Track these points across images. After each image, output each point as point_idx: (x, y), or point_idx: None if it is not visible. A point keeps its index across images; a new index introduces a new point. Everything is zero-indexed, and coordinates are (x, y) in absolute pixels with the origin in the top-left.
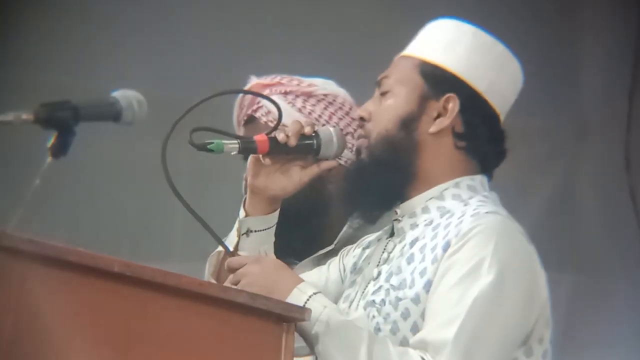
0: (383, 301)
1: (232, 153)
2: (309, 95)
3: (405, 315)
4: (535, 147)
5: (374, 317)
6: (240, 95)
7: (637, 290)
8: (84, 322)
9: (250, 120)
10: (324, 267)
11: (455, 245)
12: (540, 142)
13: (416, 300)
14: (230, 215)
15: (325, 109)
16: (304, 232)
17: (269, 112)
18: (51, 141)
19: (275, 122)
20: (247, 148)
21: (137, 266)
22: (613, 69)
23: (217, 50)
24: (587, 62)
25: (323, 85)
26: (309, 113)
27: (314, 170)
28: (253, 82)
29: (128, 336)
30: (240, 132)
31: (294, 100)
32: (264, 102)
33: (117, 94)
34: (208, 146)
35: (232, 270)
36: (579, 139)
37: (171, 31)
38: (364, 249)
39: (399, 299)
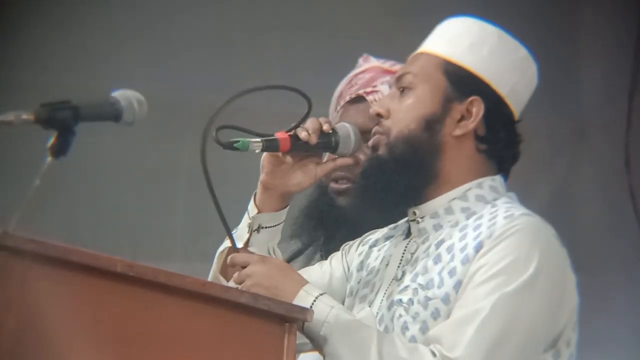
0: (411, 300)
1: (256, 151)
2: None
3: (435, 315)
4: (536, 147)
5: (400, 316)
6: (355, 71)
7: (637, 289)
8: (86, 322)
9: (358, 100)
10: (325, 263)
11: (488, 246)
12: (541, 141)
13: (446, 300)
14: (230, 213)
15: None
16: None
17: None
18: (51, 141)
19: None
20: (270, 146)
21: (140, 266)
22: (613, 68)
23: (218, 50)
24: (587, 61)
25: None
26: None
27: (329, 165)
28: (372, 62)
29: (130, 336)
30: (339, 106)
31: None
32: (381, 87)
33: (117, 94)
34: (234, 144)
35: (235, 265)
36: (579, 139)
37: (172, 31)
38: (370, 247)
39: (428, 299)
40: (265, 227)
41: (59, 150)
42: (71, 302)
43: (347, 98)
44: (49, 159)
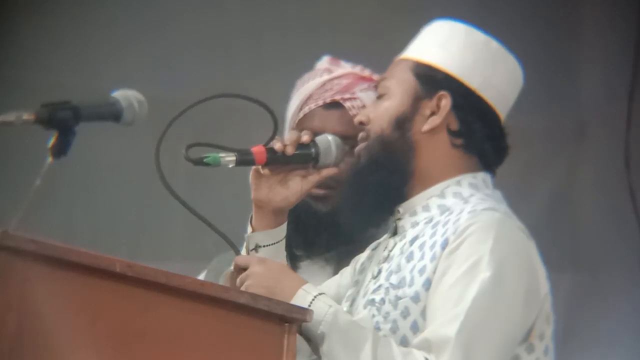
0: (383, 300)
1: (230, 166)
2: None
3: (405, 314)
4: (535, 147)
5: (374, 315)
6: (326, 75)
7: (637, 289)
8: (86, 322)
9: (334, 105)
10: (336, 276)
11: (453, 243)
12: (540, 142)
13: (416, 298)
14: (228, 218)
15: None
16: None
17: (363, 106)
18: (52, 141)
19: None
20: (244, 160)
21: (140, 266)
22: (613, 68)
23: (217, 51)
24: (587, 61)
25: None
26: None
27: (314, 178)
28: (345, 67)
29: (130, 336)
30: (307, 107)
31: None
32: (360, 95)
33: (118, 94)
34: (204, 160)
35: (238, 267)
36: (579, 139)
37: (172, 32)
38: (372, 250)
39: (398, 298)
40: (264, 246)
41: (60, 150)
42: (71, 302)
43: (321, 102)
44: (50, 159)
